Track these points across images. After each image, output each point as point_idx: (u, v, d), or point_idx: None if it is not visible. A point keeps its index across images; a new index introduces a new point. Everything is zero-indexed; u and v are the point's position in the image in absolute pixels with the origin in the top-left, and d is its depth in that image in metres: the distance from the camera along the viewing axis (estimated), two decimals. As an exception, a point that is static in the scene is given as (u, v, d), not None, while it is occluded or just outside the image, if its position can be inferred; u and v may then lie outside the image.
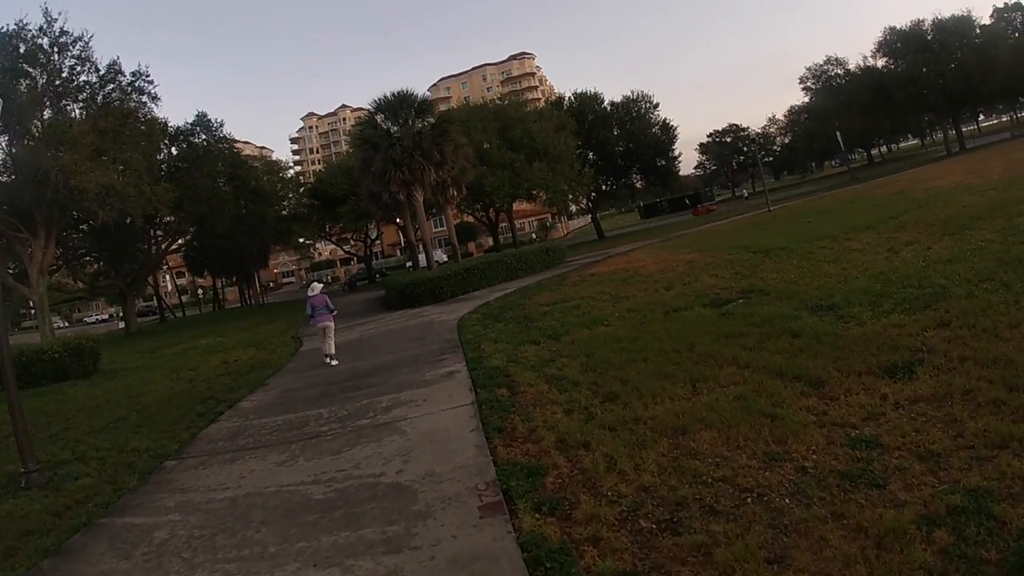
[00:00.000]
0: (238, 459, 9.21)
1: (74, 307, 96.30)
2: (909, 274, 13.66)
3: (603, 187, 66.03)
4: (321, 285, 17.88)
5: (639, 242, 44.40)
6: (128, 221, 35.73)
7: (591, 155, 62.49)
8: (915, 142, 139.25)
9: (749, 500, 5.64)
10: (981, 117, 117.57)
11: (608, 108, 63.79)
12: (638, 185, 74.45)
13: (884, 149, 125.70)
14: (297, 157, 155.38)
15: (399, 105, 33.78)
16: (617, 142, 63.96)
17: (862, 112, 77.78)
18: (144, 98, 33.01)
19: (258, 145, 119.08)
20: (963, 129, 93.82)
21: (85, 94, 31.14)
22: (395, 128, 34.45)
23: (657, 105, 64.94)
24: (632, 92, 67.03)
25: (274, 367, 17.93)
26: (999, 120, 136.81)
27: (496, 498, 6.23)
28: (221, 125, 47.32)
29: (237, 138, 63.12)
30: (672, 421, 7.67)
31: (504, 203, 53.75)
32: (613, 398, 9.05)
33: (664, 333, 12.48)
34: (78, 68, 29.59)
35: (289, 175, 65.92)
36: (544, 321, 16.86)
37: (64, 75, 29.23)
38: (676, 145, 66.98)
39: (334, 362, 16.03)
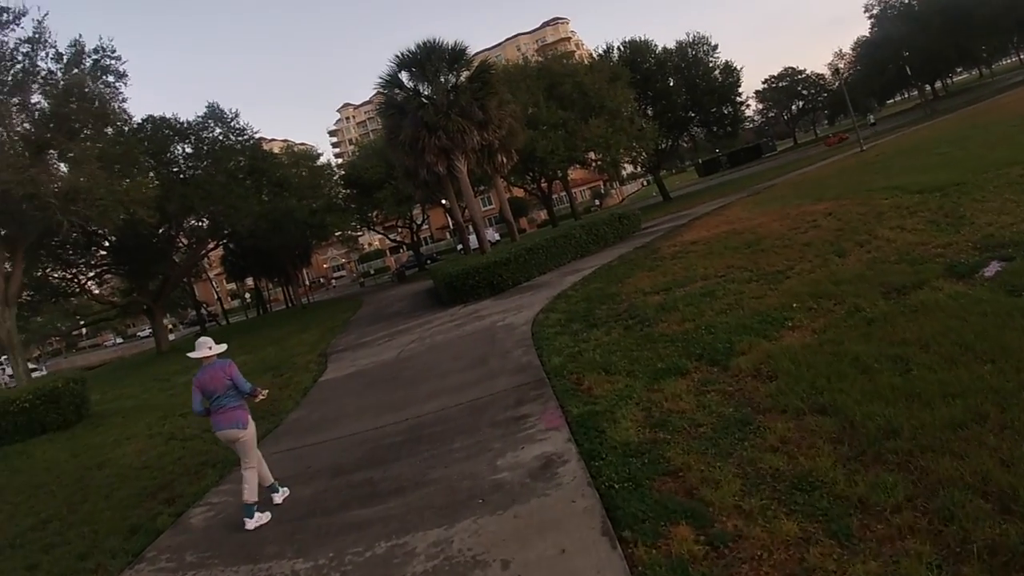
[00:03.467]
0: None
1: (128, 323, 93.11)
2: None
3: (661, 145, 58.59)
4: (222, 347, 7.58)
5: (718, 199, 37.52)
6: (152, 232, 31.63)
7: (649, 109, 55.52)
8: (964, 76, 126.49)
9: None
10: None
11: (662, 55, 56.55)
12: (699, 138, 67.13)
13: (948, 82, 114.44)
14: (337, 150, 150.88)
15: (426, 58, 27.34)
16: (677, 91, 56.68)
17: (938, 37, 68.98)
18: (109, 77, 27.11)
19: (297, 143, 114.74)
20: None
21: (43, 81, 25.40)
22: (424, 86, 28.30)
23: (716, 47, 57.26)
24: (688, 35, 59.88)
25: (275, 417, 12.37)
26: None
27: None
28: (236, 115, 41.97)
29: (276, 137, 58.43)
30: None
31: (560, 169, 47.11)
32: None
33: (946, 342, 6.63)
34: (30, 51, 23.84)
35: (319, 163, 59.63)
36: (669, 322, 10.82)
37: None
38: (741, 88, 59.45)
39: (253, 523, 6.95)
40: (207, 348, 7.35)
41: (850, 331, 7.94)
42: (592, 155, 47.56)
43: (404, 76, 28.07)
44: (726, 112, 59.16)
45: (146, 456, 11.90)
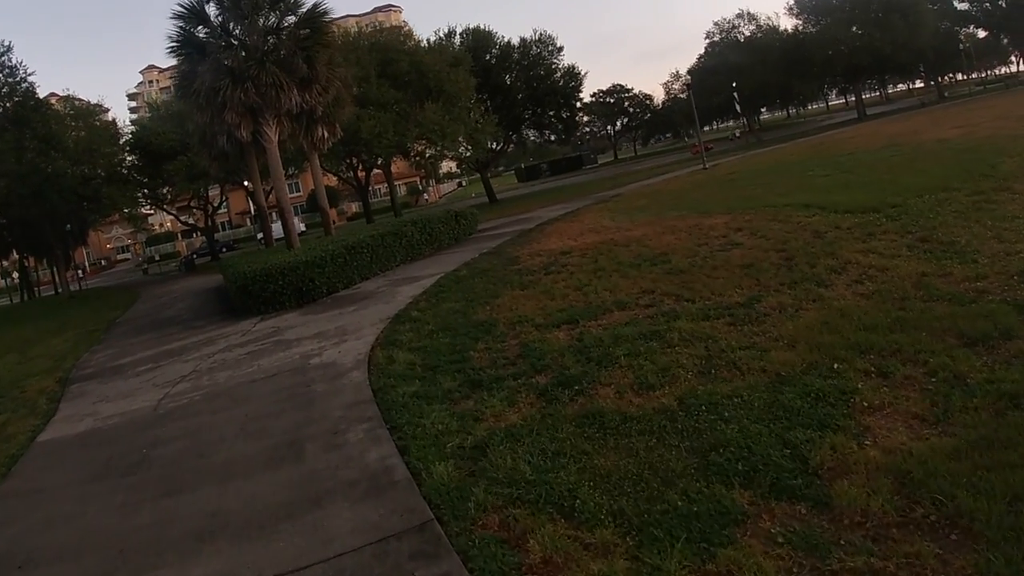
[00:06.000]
0: None
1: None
2: None
3: (494, 144, 54.95)
4: None
5: (556, 205, 33.61)
6: None
7: (485, 105, 51.67)
8: (767, 116, 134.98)
9: None
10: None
11: (505, 47, 53.20)
12: (529, 141, 64.40)
13: (761, 117, 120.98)
14: (135, 116, 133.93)
15: (245, -12, 21.16)
16: (516, 88, 53.51)
17: (774, 70, 70.88)
18: None
19: (92, 102, 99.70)
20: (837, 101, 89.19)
21: None
22: (237, 25, 21.84)
23: (561, 48, 54.87)
24: (534, 32, 56.91)
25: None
26: (871, 96, 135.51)
27: None
28: (8, 50, 35.25)
29: (61, 92, 48.52)
30: None
31: (385, 155, 41.64)
32: None
33: None
34: None
35: (103, 121, 49.03)
36: (617, 387, 6.59)
37: None
38: (581, 95, 57.69)
39: None
40: None
41: (990, 419, 4.48)
42: (419, 145, 43.07)
43: (212, 9, 21.69)
44: (564, 116, 56.90)
45: None
